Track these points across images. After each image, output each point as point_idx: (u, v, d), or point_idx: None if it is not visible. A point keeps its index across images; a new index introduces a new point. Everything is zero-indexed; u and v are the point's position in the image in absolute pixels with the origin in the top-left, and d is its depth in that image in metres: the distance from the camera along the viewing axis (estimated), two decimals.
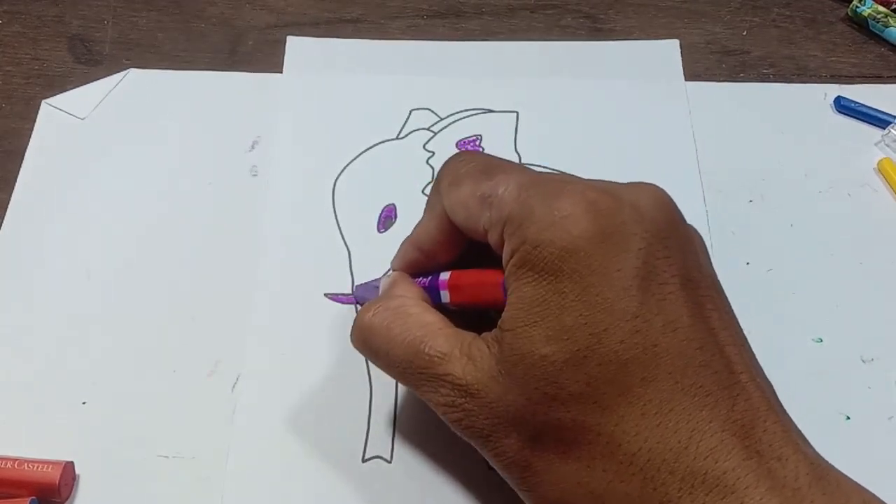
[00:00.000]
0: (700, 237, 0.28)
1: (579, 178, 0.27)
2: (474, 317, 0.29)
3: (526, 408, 0.24)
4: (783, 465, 0.23)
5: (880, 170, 0.40)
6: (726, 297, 0.27)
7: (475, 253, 0.29)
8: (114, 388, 0.33)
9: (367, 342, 0.29)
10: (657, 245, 0.24)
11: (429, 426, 0.33)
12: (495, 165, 0.28)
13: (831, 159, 0.40)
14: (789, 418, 0.25)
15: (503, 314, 0.25)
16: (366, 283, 0.34)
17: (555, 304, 0.24)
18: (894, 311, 0.36)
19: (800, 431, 0.25)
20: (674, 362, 0.23)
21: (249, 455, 0.32)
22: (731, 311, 0.26)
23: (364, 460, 0.32)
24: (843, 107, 0.42)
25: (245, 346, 0.34)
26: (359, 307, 0.35)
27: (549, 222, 0.24)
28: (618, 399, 0.23)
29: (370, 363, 0.34)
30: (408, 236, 0.31)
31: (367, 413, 0.33)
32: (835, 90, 0.42)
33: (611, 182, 0.27)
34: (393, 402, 0.33)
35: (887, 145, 0.41)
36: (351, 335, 0.29)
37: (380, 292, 0.31)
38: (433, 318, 0.28)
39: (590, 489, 0.24)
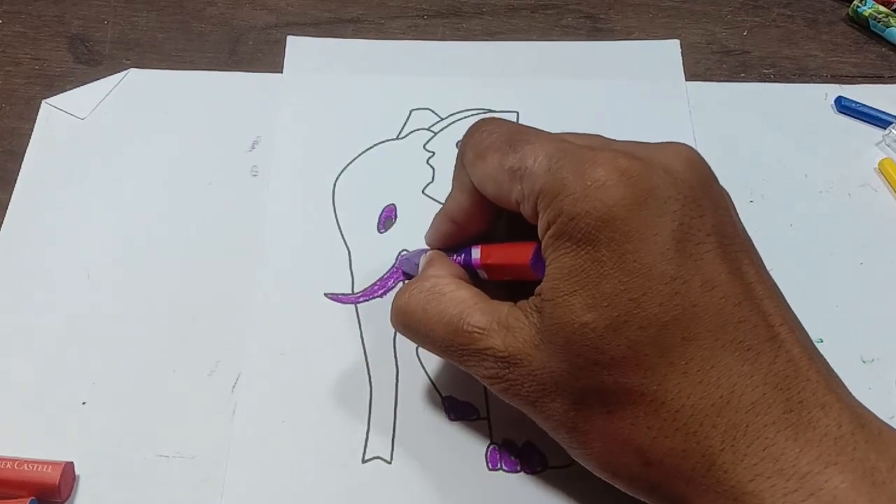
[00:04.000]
0: (728, 194, 0.28)
1: (607, 141, 0.28)
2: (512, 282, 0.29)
3: (569, 373, 0.25)
4: (826, 412, 0.23)
5: (881, 170, 0.40)
6: (758, 251, 0.27)
7: (510, 217, 0.29)
8: (114, 388, 0.33)
9: (406, 324, 0.29)
10: (691, 205, 0.25)
11: (429, 426, 0.33)
12: (519, 134, 0.28)
13: (832, 159, 0.40)
14: (830, 368, 0.25)
15: (542, 284, 0.26)
16: (409, 256, 0.35)
17: (593, 272, 0.24)
18: (894, 311, 0.36)
19: (841, 381, 0.25)
20: (713, 320, 0.24)
21: (249, 455, 0.32)
22: (764, 264, 0.27)
23: (364, 460, 0.32)
24: (844, 107, 0.42)
25: (245, 346, 0.34)
26: (370, 298, 0.35)
27: (583, 193, 0.24)
28: (659, 360, 0.24)
29: (368, 359, 0.34)
30: (440, 208, 0.32)
31: (367, 413, 0.33)
32: (835, 90, 0.42)
33: (640, 144, 0.27)
34: (393, 402, 0.33)
35: (888, 145, 0.41)
36: (390, 318, 0.30)
37: (419, 270, 0.32)
38: (467, 294, 0.28)
39: (635, 445, 0.25)
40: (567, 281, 0.25)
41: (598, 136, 0.29)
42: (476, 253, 0.30)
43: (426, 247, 0.33)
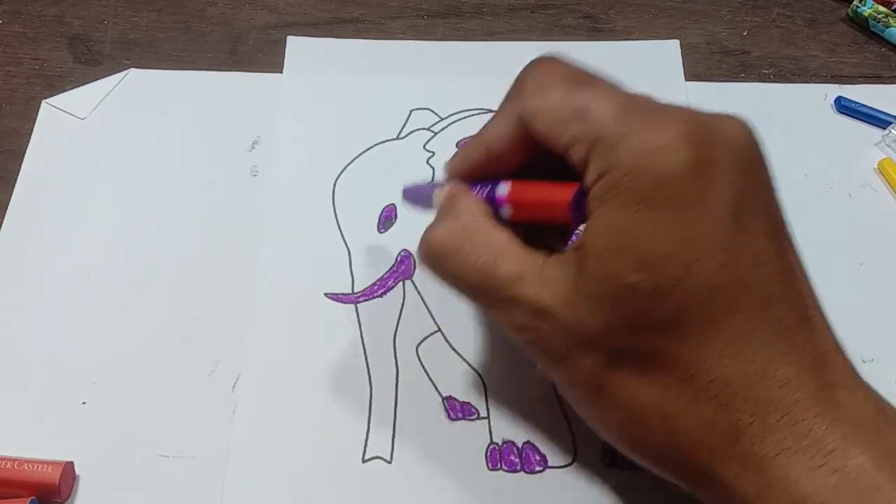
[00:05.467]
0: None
1: (672, 104, 0.26)
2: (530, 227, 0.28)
3: (607, 331, 0.24)
4: (853, 394, 0.24)
5: (881, 170, 0.40)
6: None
7: (541, 157, 0.27)
8: (114, 388, 0.33)
9: (437, 264, 0.28)
10: (748, 179, 0.24)
11: (429, 426, 0.33)
12: (586, 76, 0.27)
13: (832, 159, 0.40)
14: (849, 355, 0.25)
15: (584, 237, 0.25)
16: (417, 188, 0.32)
17: (646, 232, 0.23)
18: (894, 311, 0.36)
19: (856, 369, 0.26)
20: (757, 295, 0.24)
21: (249, 455, 0.32)
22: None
23: (364, 460, 0.32)
24: (844, 107, 0.42)
25: (245, 346, 0.34)
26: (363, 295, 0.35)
27: (646, 149, 0.24)
28: (701, 328, 0.24)
29: (368, 359, 0.34)
30: (475, 134, 0.29)
31: (367, 413, 0.33)
32: (835, 90, 0.42)
33: (702, 112, 0.26)
34: (393, 402, 0.33)
35: (888, 145, 0.41)
36: (418, 253, 0.28)
37: (434, 204, 0.30)
38: (503, 237, 0.27)
39: (663, 411, 0.24)
40: (616, 238, 0.24)
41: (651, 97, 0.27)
42: (505, 188, 0.28)
43: (433, 185, 0.31)
